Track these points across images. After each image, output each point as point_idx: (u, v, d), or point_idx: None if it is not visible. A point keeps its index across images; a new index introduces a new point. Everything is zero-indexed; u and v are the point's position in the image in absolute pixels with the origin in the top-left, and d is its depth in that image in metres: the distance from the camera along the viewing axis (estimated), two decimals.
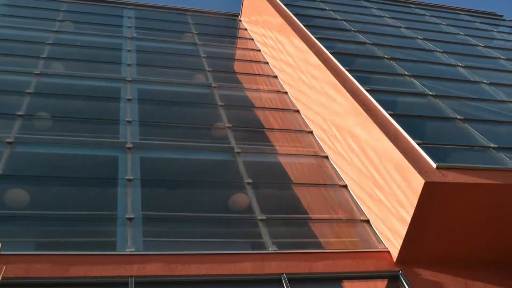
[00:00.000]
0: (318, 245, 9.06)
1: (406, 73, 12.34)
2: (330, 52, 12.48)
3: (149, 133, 11.01)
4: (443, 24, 18.55)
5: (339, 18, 16.55)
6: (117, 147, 10.21)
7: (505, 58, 15.36)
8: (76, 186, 9.17)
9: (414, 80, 11.99)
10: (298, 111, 13.02)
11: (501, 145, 9.37)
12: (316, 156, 11.20)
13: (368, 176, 9.31)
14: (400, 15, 18.63)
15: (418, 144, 8.73)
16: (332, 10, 17.39)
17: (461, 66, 13.74)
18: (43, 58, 13.45)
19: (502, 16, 22.51)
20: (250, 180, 9.76)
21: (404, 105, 10.60)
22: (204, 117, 12.13)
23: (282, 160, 11.10)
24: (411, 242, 8.12)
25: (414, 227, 7.99)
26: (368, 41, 14.36)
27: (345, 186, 10.14)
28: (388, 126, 9.30)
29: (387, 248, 8.51)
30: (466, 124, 10.10)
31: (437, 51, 14.82)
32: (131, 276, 7.18)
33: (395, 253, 8.28)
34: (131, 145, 10.20)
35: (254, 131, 12.10)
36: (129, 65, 13.97)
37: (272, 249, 8.15)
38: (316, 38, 13.47)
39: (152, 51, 15.38)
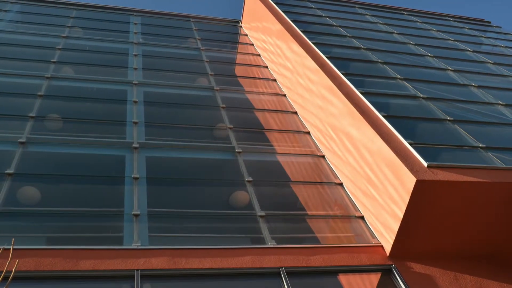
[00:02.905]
0: (315, 240, 9.06)
1: (398, 76, 12.34)
2: (327, 57, 12.49)
3: (154, 133, 11.02)
4: (433, 30, 18.56)
5: (335, 24, 16.55)
6: (124, 147, 10.21)
7: (492, 62, 15.36)
8: (85, 184, 9.18)
9: (406, 83, 11.99)
10: (296, 112, 13.02)
11: (489, 145, 9.38)
12: (313, 155, 11.20)
13: (363, 175, 9.31)
14: (393, 22, 18.63)
15: (410, 144, 8.74)
16: (329, 17, 17.39)
17: (451, 70, 13.74)
18: (54, 62, 13.46)
19: (489, 22, 22.52)
20: (250, 178, 9.76)
21: (397, 107, 10.61)
22: (206, 118, 12.13)
23: (281, 159, 11.10)
24: (403, 237, 8.13)
25: (406, 223, 7.99)
26: (362, 46, 14.36)
27: (341, 184, 10.14)
28: (381, 127, 9.31)
29: (380, 243, 8.52)
30: (456, 125, 10.11)
31: (428, 55, 14.82)
32: (137, 270, 7.19)
33: (388, 248, 8.29)
34: (137, 145, 10.20)
35: (254, 132, 12.11)
36: (135, 69, 13.98)
37: (271, 243, 8.16)
38: (313, 43, 13.47)
39: (157, 55, 15.38)
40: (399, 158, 8.25)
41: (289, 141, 12.00)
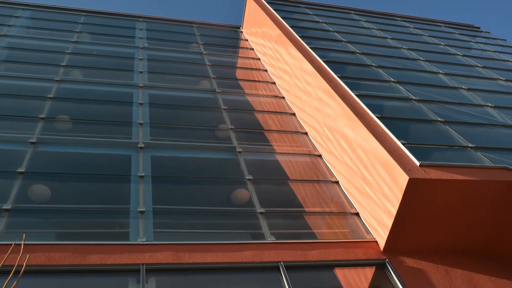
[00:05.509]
0: (312, 235, 9.05)
1: (392, 79, 12.34)
2: (323, 61, 12.48)
3: (159, 134, 11.01)
4: (425, 35, 18.55)
5: (332, 29, 16.55)
6: (130, 147, 10.21)
7: (481, 66, 15.36)
8: (92, 182, 9.18)
9: (399, 86, 11.99)
10: (294, 114, 13.02)
11: (478, 145, 9.37)
12: (310, 155, 11.20)
13: (358, 173, 9.31)
14: (386, 27, 18.63)
15: (403, 144, 8.73)
16: (325, 23, 17.39)
17: (442, 73, 13.74)
18: (63, 66, 13.46)
19: (479, 28, 22.52)
20: (250, 177, 9.76)
21: (390, 109, 10.60)
22: (208, 119, 12.12)
23: (280, 158, 11.10)
24: (397, 233, 8.13)
25: (399, 219, 7.99)
26: (357, 51, 14.36)
27: (337, 182, 10.14)
28: (375, 127, 9.30)
29: (374, 238, 8.52)
30: (447, 126, 10.11)
31: (420, 59, 14.81)
32: (142, 264, 7.19)
33: (382, 243, 8.29)
34: (142, 145, 10.20)
35: (254, 132, 12.10)
36: (140, 72, 13.97)
37: (270, 239, 8.15)
38: (310, 48, 13.47)
39: (162, 59, 15.38)
40: (392, 157, 8.25)
41: (287, 141, 12.00)
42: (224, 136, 11.46)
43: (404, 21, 20.70)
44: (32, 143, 9.67)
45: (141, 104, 12.02)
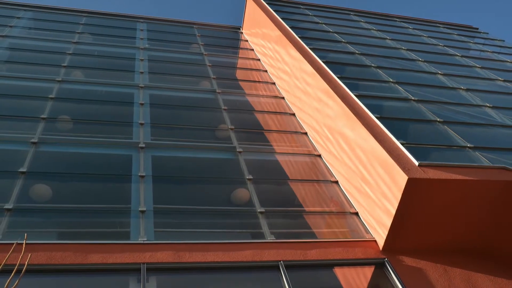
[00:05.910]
0: (312, 235, 9.05)
1: (391, 80, 12.33)
2: (323, 61, 12.48)
3: (159, 134, 11.01)
4: (424, 36, 18.55)
5: (331, 30, 16.55)
6: (131, 147, 10.21)
7: (480, 66, 15.36)
8: (93, 182, 9.17)
9: (398, 87, 11.98)
10: (293, 114, 13.02)
11: (477, 145, 9.37)
12: (310, 155, 11.20)
13: (357, 173, 9.30)
14: (385, 28, 18.63)
15: (402, 144, 8.73)
16: (325, 24, 17.39)
17: (440, 74, 13.74)
18: (64, 66, 13.46)
19: (477, 28, 22.51)
20: (250, 177, 9.76)
21: (389, 109, 10.60)
22: (209, 119, 12.12)
23: (280, 158, 11.10)
24: (396, 232, 8.12)
25: (398, 218, 7.99)
26: (357, 51, 14.35)
27: (336, 182, 10.13)
28: (375, 127, 9.30)
29: (374, 238, 8.51)
30: (445, 126, 10.10)
31: (419, 60, 14.81)
32: (143, 263, 7.19)
33: (381, 242, 8.28)
34: (143, 145, 10.20)
35: (254, 133, 12.10)
36: (141, 73, 13.97)
37: (270, 238, 8.15)
38: (310, 48, 13.47)
39: (162, 60, 15.38)
40: (391, 157, 8.25)
41: (287, 141, 12.00)
42: (224, 136, 11.46)
43: (403, 22, 20.69)
44: (34, 143, 9.67)
45: (142, 104, 12.02)
